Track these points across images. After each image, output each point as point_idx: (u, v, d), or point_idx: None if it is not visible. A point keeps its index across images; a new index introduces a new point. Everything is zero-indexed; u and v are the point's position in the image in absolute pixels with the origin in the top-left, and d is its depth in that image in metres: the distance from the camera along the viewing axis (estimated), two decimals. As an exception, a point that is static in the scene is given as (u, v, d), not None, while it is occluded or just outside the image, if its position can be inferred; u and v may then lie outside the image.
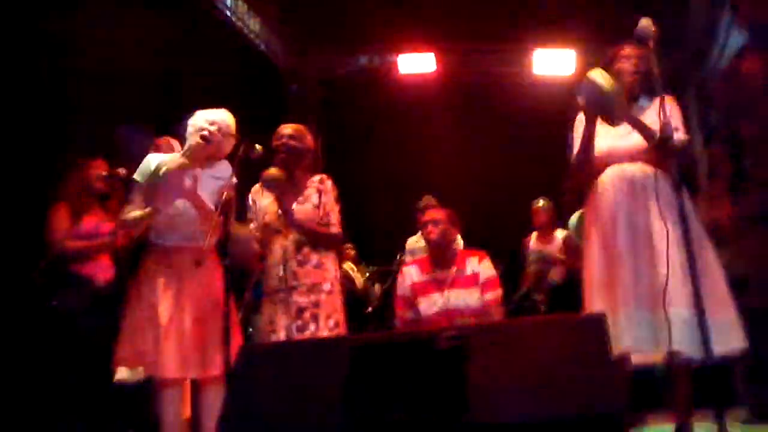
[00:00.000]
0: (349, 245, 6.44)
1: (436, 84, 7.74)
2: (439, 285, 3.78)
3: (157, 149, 3.65)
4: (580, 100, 2.75)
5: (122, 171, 3.85)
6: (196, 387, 3.16)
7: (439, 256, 3.88)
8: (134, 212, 3.18)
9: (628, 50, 2.93)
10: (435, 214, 3.92)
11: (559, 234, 5.78)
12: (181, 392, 3.13)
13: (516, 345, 1.65)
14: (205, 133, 3.22)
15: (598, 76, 2.67)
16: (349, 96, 7.96)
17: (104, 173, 3.92)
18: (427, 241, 3.93)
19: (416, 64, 7.75)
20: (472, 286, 3.77)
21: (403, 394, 1.62)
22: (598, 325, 1.65)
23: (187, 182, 3.10)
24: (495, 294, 3.81)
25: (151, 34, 5.21)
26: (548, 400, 1.47)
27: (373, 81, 7.97)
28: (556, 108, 3.19)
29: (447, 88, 7.72)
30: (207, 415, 3.06)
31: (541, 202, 5.92)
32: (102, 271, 3.80)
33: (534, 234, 5.96)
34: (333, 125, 8.04)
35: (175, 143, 3.70)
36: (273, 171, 3.35)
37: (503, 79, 7.72)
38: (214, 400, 2.91)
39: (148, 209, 3.15)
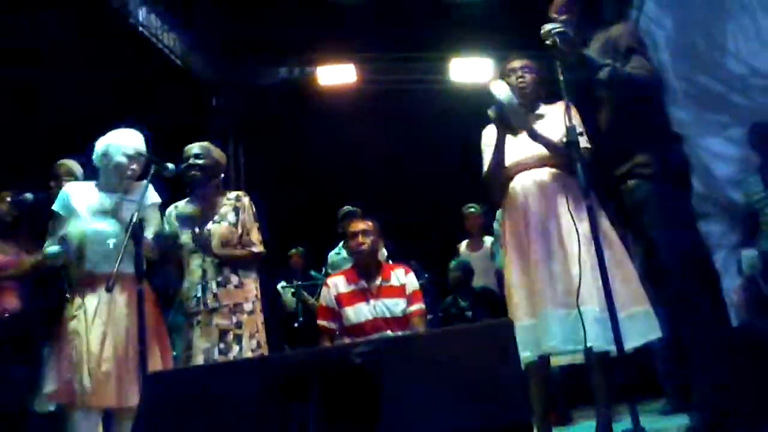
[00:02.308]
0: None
1: (357, 94, 7.78)
2: (366, 295, 3.75)
3: (57, 181, 3.55)
4: (489, 111, 2.84)
5: (28, 196, 3.68)
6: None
7: (366, 267, 3.84)
8: (53, 247, 3.09)
9: (515, 63, 3.06)
10: (364, 225, 3.86)
11: (488, 240, 5.87)
12: (97, 424, 3.00)
13: (426, 357, 1.66)
14: (129, 173, 3.18)
15: (496, 89, 2.79)
16: (271, 108, 7.89)
17: (8, 200, 3.73)
18: (357, 252, 3.84)
19: (336, 75, 7.76)
20: (399, 296, 3.76)
21: (316, 412, 1.60)
22: (503, 332, 1.67)
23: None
24: (419, 306, 3.80)
25: (68, 49, 5.05)
26: (457, 411, 1.47)
27: (294, 93, 7.92)
28: (477, 114, 3.26)
29: (367, 98, 7.77)
30: None
31: (471, 208, 6.01)
32: (7, 302, 3.61)
33: (465, 241, 6.03)
34: (254, 137, 7.97)
35: (75, 166, 3.62)
36: (188, 209, 3.28)
37: (422, 86, 7.80)
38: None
39: (62, 245, 3.07)
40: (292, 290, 6.06)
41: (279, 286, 6.33)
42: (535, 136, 2.88)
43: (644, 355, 3.11)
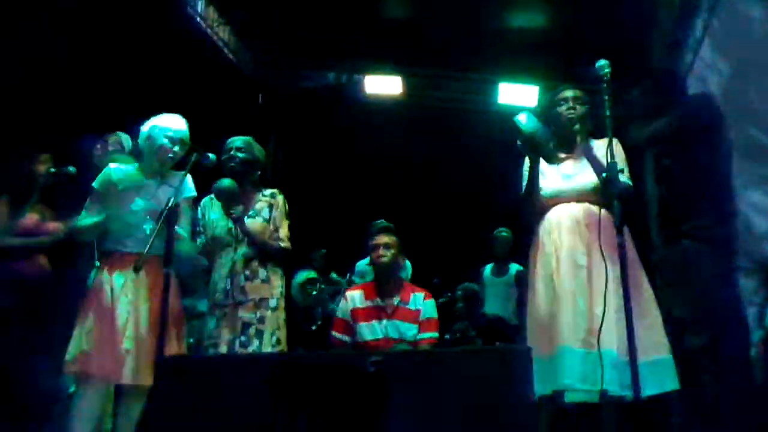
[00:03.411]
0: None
1: (401, 107, 7.80)
2: (380, 313, 3.74)
3: (104, 147, 3.60)
4: (518, 142, 2.85)
5: (70, 169, 3.76)
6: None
7: (385, 283, 3.83)
8: (88, 219, 3.15)
9: (566, 93, 3.03)
10: (387, 239, 3.86)
11: (514, 268, 5.82)
12: (107, 398, 3.04)
13: (439, 374, 1.66)
14: (171, 155, 3.21)
15: (521, 119, 2.78)
16: (314, 111, 7.96)
17: (51, 169, 3.82)
18: (377, 264, 3.85)
19: (383, 85, 7.80)
20: (412, 321, 3.74)
21: (324, 414, 1.61)
22: (520, 359, 1.66)
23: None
24: (431, 336, 3.77)
25: (117, 35, 5.16)
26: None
27: (338, 98, 7.98)
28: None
29: (411, 112, 7.78)
30: (124, 426, 2.99)
31: (503, 233, 5.97)
32: (35, 269, 3.68)
33: (490, 265, 5.99)
34: (296, 139, 8.04)
35: (125, 138, 3.69)
36: (226, 182, 3.31)
37: (467, 107, 7.80)
38: (137, 410, 2.90)
39: (100, 216, 3.13)
40: (314, 291, 6.05)
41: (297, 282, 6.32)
42: (588, 154, 2.86)
43: (659, 404, 3.06)
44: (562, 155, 2.94)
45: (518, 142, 2.86)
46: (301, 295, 5.71)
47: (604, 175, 2.56)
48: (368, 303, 3.79)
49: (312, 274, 5.92)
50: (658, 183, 3.05)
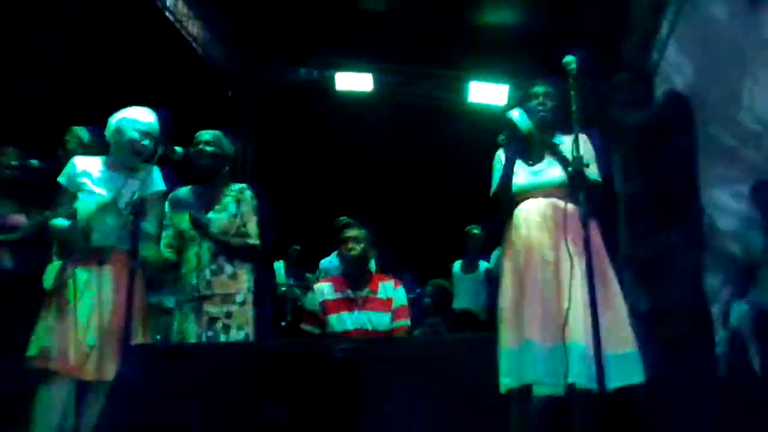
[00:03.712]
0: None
1: (372, 103, 7.80)
2: (351, 304, 3.73)
3: (66, 143, 3.56)
4: (501, 137, 2.85)
5: (34, 162, 3.69)
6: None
7: (355, 275, 3.82)
8: (61, 220, 3.10)
9: (538, 88, 3.06)
10: (356, 232, 3.86)
11: (483, 264, 5.87)
12: (70, 394, 2.99)
13: (407, 361, 1.67)
14: (139, 147, 3.16)
15: (515, 116, 2.80)
16: (286, 106, 7.93)
17: (14, 162, 3.74)
18: (347, 257, 3.82)
19: (353, 82, 7.79)
20: (384, 310, 3.73)
21: (292, 400, 1.61)
22: (485, 348, 1.68)
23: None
24: (404, 323, 3.77)
25: (86, 28, 5.09)
26: (430, 417, 1.48)
27: (309, 94, 7.96)
28: (489, 136, 3.30)
29: (381, 109, 7.79)
30: (86, 421, 2.93)
31: (474, 229, 6.01)
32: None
33: (460, 261, 6.03)
34: (266, 134, 7.99)
35: (82, 132, 3.71)
36: (180, 192, 3.34)
37: (438, 104, 7.83)
38: (99, 404, 2.86)
39: (71, 221, 3.07)
40: (283, 288, 6.04)
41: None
42: (554, 151, 2.88)
43: (626, 396, 3.10)
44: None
45: (500, 138, 2.87)
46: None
47: (569, 169, 2.59)
48: (338, 295, 3.77)
49: None
50: (626, 180, 3.09)
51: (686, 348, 2.80)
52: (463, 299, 5.61)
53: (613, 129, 3.14)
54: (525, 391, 2.84)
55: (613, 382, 2.62)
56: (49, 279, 3.03)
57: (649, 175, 3.00)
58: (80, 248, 3.08)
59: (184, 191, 3.52)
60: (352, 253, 3.79)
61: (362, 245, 3.81)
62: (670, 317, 2.85)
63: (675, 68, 5.44)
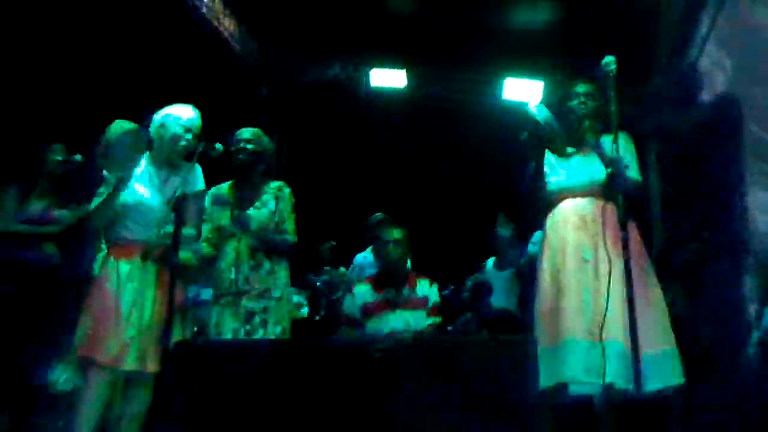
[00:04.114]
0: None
1: (405, 100, 7.80)
2: (393, 305, 3.73)
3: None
4: (524, 134, 2.86)
5: (77, 158, 3.78)
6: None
7: (394, 276, 3.81)
8: (97, 200, 3.14)
9: (578, 88, 3.06)
10: (396, 234, 3.84)
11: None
12: (113, 386, 3.06)
13: (444, 362, 1.68)
14: (183, 143, 3.20)
15: (534, 110, 2.83)
16: (318, 103, 7.96)
17: (60, 158, 3.83)
18: (387, 260, 3.82)
19: (387, 78, 7.80)
20: (422, 308, 3.75)
21: (331, 398, 1.63)
22: (525, 349, 1.68)
23: None
24: (436, 320, 3.79)
25: (123, 26, 5.17)
26: (468, 420, 1.49)
27: (342, 91, 7.98)
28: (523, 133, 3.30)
29: (415, 106, 7.79)
30: (129, 413, 3.01)
31: (503, 227, 5.97)
32: (42, 257, 3.70)
33: (492, 259, 6.00)
34: (299, 131, 8.04)
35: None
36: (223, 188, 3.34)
37: (472, 101, 7.80)
38: (144, 397, 2.93)
39: (108, 197, 3.10)
40: (317, 283, 6.08)
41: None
42: (596, 148, 2.88)
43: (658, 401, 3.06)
44: (571, 150, 2.95)
45: (523, 134, 2.87)
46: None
47: (609, 170, 2.58)
48: (379, 296, 3.76)
49: None
50: (664, 181, 3.05)
51: (720, 352, 2.76)
52: (497, 297, 5.58)
53: (651, 130, 3.11)
54: (560, 390, 2.84)
55: (651, 385, 2.60)
56: (98, 267, 3.12)
57: (688, 178, 2.96)
58: (119, 236, 3.14)
59: (224, 188, 3.57)
60: (393, 255, 3.78)
61: (402, 248, 3.80)
62: (705, 321, 2.81)
63: (716, 65, 5.35)
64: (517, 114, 2.90)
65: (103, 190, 3.18)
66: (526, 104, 2.88)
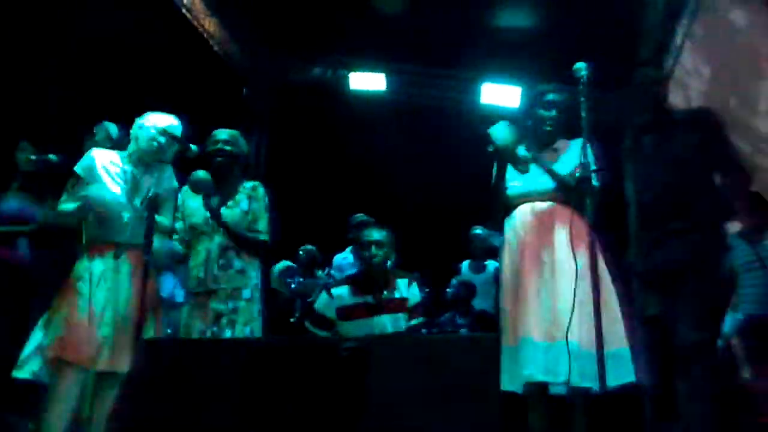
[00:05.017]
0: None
1: (385, 103, 7.83)
2: (370, 310, 3.67)
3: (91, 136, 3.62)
4: (490, 148, 2.98)
5: (51, 157, 3.76)
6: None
7: (374, 279, 3.75)
8: (68, 204, 3.14)
9: (548, 95, 3.14)
10: (377, 235, 3.76)
11: (492, 265, 5.86)
12: (83, 384, 3.05)
13: (411, 359, 1.70)
14: (156, 144, 3.20)
15: (496, 131, 2.98)
16: (299, 104, 7.97)
17: (31, 156, 3.81)
18: (368, 263, 3.74)
19: (367, 81, 7.83)
20: (401, 311, 3.71)
21: (298, 396, 1.64)
22: (487, 347, 1.71)
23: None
24: (418, 320, 3.75)
25: (104, 26, 5.15)
26: (432, 416, 1.52)
27: (323, 93, 8.00)
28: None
29: (394, 108, 7.82)
30: (100, 412, 3.00)
31: (478, 230, 6.00)
32: (17, 256, 3.68)
33: (467, 262, 6.03)
34: (280, 132, 8.04)
35: (112, 127, 3.71)
36: (200, 173, 3.33)
37: (450, 105, 7.85)
38: (112, 398, 2.92)
39: (80, 201, 3.10)
40: (292, 285, 6.04)
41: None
42: (542, 165, 3.01)
43: (630, 397, 3.11)
44: (535, 155, 3.06)
45: (490, 147, 3.00)
46: (280, 285, 5.69)
47: (577, 174, 2.64)
48: (357, 299, 3.70)
49: (288, 263, 5.90)
50: (638, 188, 3.10)
51: (696, 355, 2.82)
52: (475, 299, 5.61)
53: (626, 136, 3.17)
54: (542, 390, 2.88)
55: (609, 382, 2.65)
56: (72, 266, 3.10)
57: (660, 184, 3.02)
58: (87, 237, 3.13)
59: (203, 173, 3.52)
60: (375, 259, 3.70)
61: (384, 250, 3.73)
62: (679, 323, 2.87)
63: (691, 74, 5.43)
64: (498, 119, 3.01)
65: (69, 187, 3.16)
66: (491, 127, 3.00)
